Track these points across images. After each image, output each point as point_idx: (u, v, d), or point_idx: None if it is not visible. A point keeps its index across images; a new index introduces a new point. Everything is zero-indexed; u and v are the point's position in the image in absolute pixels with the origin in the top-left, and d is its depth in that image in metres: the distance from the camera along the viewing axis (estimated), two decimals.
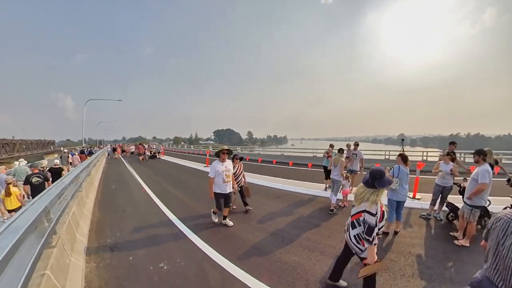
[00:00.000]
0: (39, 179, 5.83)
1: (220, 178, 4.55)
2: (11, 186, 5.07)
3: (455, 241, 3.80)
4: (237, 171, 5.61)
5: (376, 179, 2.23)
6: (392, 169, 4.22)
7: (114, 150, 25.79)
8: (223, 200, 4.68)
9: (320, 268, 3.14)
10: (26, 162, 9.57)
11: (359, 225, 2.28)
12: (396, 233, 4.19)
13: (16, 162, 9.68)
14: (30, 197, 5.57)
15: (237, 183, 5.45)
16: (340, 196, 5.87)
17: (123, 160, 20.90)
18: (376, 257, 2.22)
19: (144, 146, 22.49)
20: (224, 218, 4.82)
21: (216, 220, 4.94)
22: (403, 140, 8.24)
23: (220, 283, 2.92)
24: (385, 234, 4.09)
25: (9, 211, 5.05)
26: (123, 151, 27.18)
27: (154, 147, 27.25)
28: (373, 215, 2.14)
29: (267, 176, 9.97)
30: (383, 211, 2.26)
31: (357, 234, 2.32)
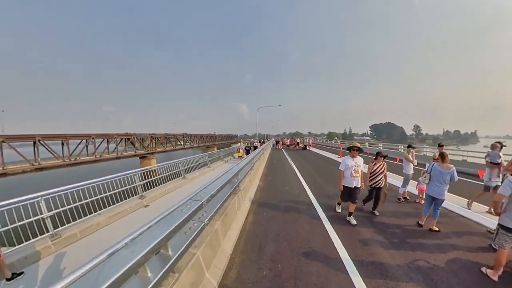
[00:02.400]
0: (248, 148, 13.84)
1: (348, 172, 4.70)
2: (241, 150, 13.45)
3: (482, 268, 3.11)
4: (377, 170, 5.19)
5: None
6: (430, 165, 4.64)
7: (277, 142, 34.45)
8: (348, 193, 4.82)
9: None
10: (241, 144, 19.24)
11: None
12: (431, 230, 4.31)
13: (236, 145, 20.20)
14: (245, 155, 13.78)
15: (375, 183, 5.18)
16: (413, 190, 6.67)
17: (282, 150, 28.15)
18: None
19: (295, 139, 30.66)
20: (350, 214, 4.85)
21: (339, 211, 5.35)
22: None
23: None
24: (419, 225, 4.53)
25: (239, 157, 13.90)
26: (283, 143, 35.01)
27: (307, 140, 33.82)
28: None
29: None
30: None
31: None
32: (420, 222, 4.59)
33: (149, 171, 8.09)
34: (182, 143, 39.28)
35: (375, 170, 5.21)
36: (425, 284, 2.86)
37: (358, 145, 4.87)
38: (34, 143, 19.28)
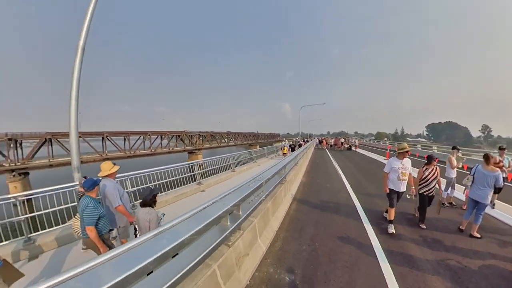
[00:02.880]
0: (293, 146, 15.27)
1: (395, 174, 4.43)
2: (285, 148, 14.94)
3: None
4: (429, 176, 4.73)
5: None
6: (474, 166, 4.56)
7: (320, 142, 33.91)
8: (395, 197, 4.53)
9: None
10: (285, 142, 20.11)
11: None
12: (471, 236, 4.20)
13: (278, 144, 20.89)
14: (289, 152, 15.32)
15: (427, 191, 4.73)
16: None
17: (326, 149, 27.75)
18: None
19: (340, 139, 29.91)
20: (390, 222, 4.49)
21: (393, 231, 4.36)
22: None
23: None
24: (460, 230, 4.46)
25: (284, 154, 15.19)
26: (326, 143, 34.05)
27: (352, 141, 32.42)
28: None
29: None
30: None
31: None
32: (461, 227, 4.52)
33: (201, 163, 9.80)
34: (226, 141, 42.14)
35: (426, 176, 4.75)
36: (451, 280, 3.01)
37: (407, 147, 4.50)
38: (102, 138, 24.53)
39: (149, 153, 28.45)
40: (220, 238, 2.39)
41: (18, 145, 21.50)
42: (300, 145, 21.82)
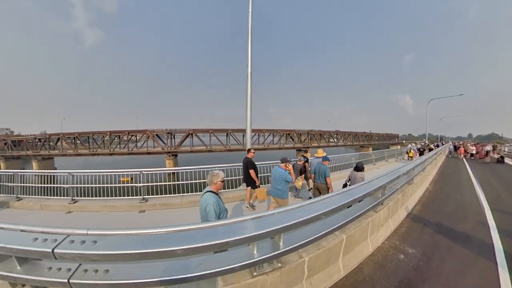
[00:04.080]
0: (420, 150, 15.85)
1: None
2: (412, 151, 15.83)
3: None
4: None
5: None
6: None
7: (455, 148, 25.30)
8: None
9: None
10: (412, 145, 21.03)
11: None
12: None
13: (396, 148, 19.85)
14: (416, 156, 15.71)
15: None
16: None
17: (464, 160, 20.67)
18: None
19: (485, 146, 20.98)
20: None
21: None
22: None
23: None
24: None
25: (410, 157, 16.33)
26: (465, 150, 23.83)
27: (505, 149, 23.14)
28: None
29: None
30: None
31: None
32: None
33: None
34: (335, 140, 41.79)
35: None
36: None
37: None
38: (227, 134, 33.12)
39: (262, 148, 33.70)
40: (374, 203, 3.90)
41: (172, 137, 34.18)
42: (430, 149, 19.49)
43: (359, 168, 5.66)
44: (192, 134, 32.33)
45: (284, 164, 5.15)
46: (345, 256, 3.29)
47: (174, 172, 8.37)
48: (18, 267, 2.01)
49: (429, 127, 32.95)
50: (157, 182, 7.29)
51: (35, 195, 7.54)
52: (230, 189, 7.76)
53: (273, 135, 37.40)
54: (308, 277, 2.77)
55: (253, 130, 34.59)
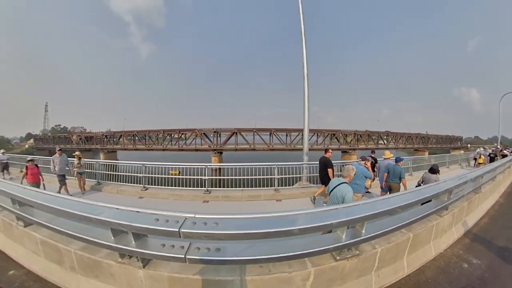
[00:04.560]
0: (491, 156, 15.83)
1: None
2: (482, 157, 15.72)
3: None
4: None
5: None
6: None
7: None
8: None
9: None
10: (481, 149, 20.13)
11: None
12: None
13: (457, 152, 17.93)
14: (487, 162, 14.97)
15: None
16: None
17: None
18: None
19: None
20: None
21: None
22: None
23: None
24: None
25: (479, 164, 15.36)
26: None
27: None
28: None
29: None
30: None
31: None
32: None
33: None
34: (384, 142, 38.85)
35: None
36: None
37: None
38: (270, 133, 34.95)
39: (309, 148, 34.12)
40: (440, 206, 4.06)
41: (218, 135, 37.14)
42: (504, 156, 17.08)
43: (434, 170, 5.74)
44: (236, 133, 34.11)
45: (364, 161, 5.96)
46: (409, 255, 3.52)
47: (220, 168, 9.81)
48: (133, 242, 2.33)
49: (502, 128, 27.92)
50: (219, 176, 8.29)
51: (112, 181, 8.78)
52: (287, 187, 8.40)
53: (317, 135, 36.78)
54: (377, 269, 3.05)
55: (295, 130, 34.71)
